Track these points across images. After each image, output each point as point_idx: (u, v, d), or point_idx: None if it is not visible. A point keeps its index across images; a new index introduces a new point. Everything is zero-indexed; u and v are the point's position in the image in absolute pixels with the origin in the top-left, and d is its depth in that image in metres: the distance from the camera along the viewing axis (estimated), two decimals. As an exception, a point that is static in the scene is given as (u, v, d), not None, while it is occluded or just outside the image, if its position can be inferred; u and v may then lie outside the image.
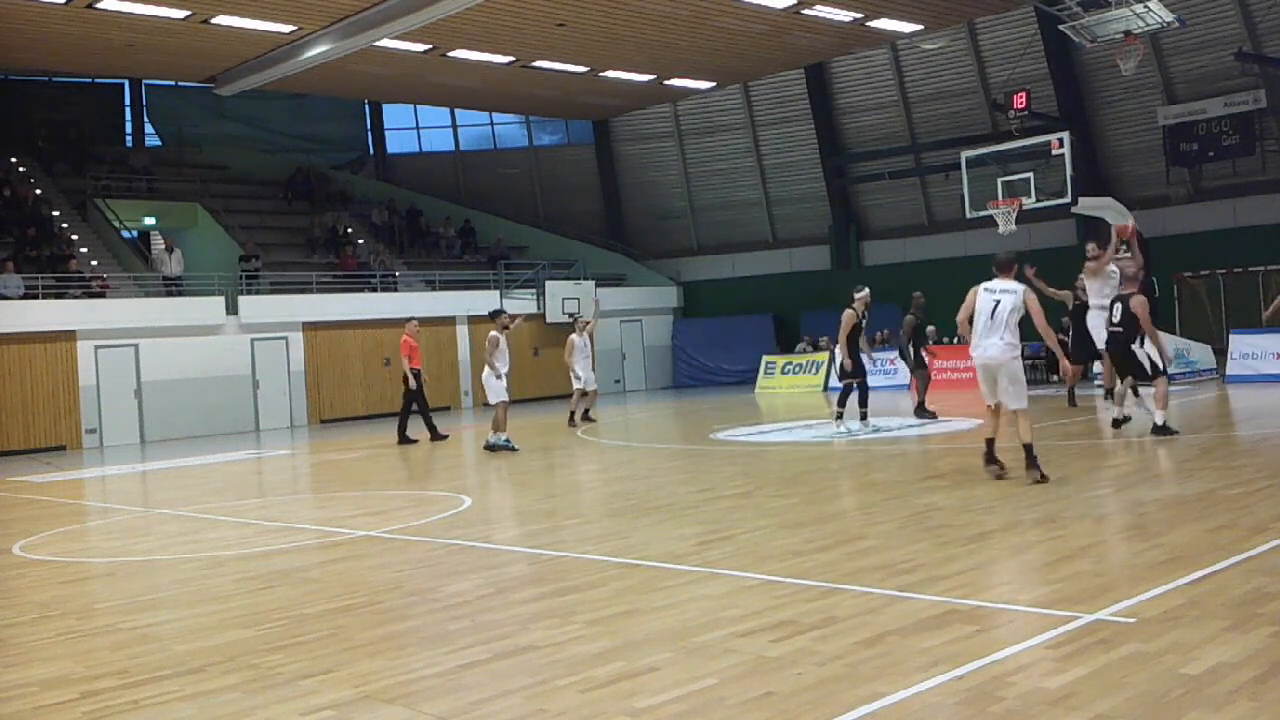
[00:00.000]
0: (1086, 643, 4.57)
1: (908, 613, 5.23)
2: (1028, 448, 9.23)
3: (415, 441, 17.15)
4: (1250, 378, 18.57)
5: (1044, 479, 9.02)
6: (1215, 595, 5.19)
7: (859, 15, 22.88)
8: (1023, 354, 9.47)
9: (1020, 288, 9.44)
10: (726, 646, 4.86)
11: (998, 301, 9.33)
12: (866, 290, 14.79)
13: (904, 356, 16.81)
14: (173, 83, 30.34)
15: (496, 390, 15.35)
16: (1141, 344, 12.02)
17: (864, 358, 14.78)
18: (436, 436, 17.48)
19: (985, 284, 9.52)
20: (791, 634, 4.99)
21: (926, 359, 16.43)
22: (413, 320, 17.99)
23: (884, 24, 23.71)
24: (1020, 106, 21.87)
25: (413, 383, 17.20)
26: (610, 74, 26.65)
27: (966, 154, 22.80)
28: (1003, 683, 4.14)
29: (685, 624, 5.30)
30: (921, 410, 15.93)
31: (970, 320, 9.52)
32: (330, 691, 4.61)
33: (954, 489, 9.13)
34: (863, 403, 14.77)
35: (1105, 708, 3.82)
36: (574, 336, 19.29)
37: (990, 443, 9.59)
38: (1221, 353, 20.26)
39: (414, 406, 17.52)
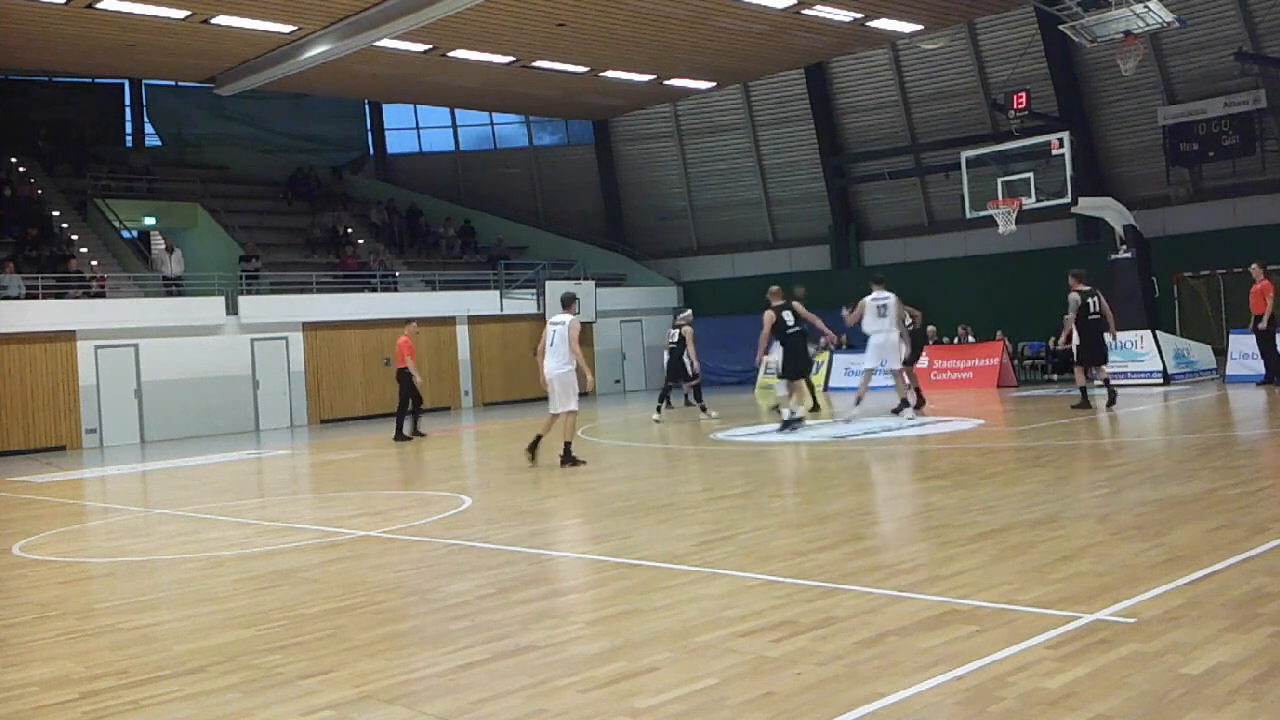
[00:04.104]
0: (1086, 643, 4.57)
1: (908, 613, 5.22)
2: (567, 444, 12.21)
3: (425, 435, 18.37)
4: (1250, 378, 18.52)
5: (577, 462, 12.13)
6: (1215, 595, 5.19)
7: (859, 15, 22.88)
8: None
9: (568, 318, 12.12)
10: (726, 646, 4.86)
11: (555, 331, 12.04)
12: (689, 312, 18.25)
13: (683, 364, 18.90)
14: (173, 83, 30.34)
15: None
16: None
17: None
18: (406, 437, 18.12)
19: (552, 319, 12.26)
20: (791, 634, 4.99)
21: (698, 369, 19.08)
22: (413, 323, 18.64)
23: (884, 24, 23.70)
24: (1020, 106, 21.85)
25: (418, 379, 17.98)
26: (610, 74, 26.64)
27: (966, 154, 22.76)
28: (1003, 683, 4.14)
29: (685, 624, 5.29)
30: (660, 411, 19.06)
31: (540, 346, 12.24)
32: (330, 691, 4.60)
33: (954, 489, 9.13)
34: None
35: (1105, 708, 3.82)
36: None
37: (539, 439, 12.52)
38: (1221, 353, 20.23)
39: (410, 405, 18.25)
